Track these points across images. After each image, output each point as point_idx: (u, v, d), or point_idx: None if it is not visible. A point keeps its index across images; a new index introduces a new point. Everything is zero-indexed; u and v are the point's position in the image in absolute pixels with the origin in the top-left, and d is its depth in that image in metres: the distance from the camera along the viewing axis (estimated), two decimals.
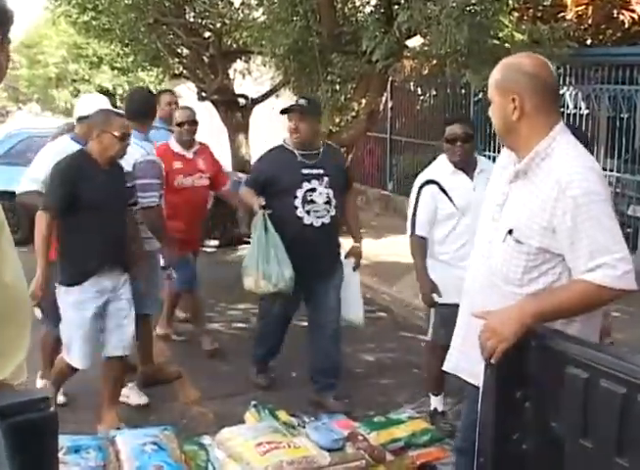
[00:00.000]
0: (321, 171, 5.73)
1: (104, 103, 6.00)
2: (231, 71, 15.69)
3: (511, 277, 3.10)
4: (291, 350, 6.38)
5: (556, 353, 2.55)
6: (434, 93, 14.26)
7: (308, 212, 5.67)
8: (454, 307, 3.55)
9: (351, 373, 6.55)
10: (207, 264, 11.62)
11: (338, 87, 11.07)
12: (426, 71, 10.55)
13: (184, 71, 16.09)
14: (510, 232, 3.10)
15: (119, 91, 33.83)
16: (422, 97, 14.98)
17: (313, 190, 5.68)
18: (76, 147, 5.47)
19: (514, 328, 2.82)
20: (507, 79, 3.10)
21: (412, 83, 14.59)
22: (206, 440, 3.32)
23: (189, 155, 7.10)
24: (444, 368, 3.51)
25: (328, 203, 5.71)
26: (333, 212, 5.74)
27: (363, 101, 11.05)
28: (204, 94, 15.44)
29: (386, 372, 6.76)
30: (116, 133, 5.17)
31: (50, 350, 5.88)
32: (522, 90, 3.05)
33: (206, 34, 15.02)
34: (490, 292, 3.18)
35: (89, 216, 5.06)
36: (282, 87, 14.14)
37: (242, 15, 13.82)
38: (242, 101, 15.41)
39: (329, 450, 2.97)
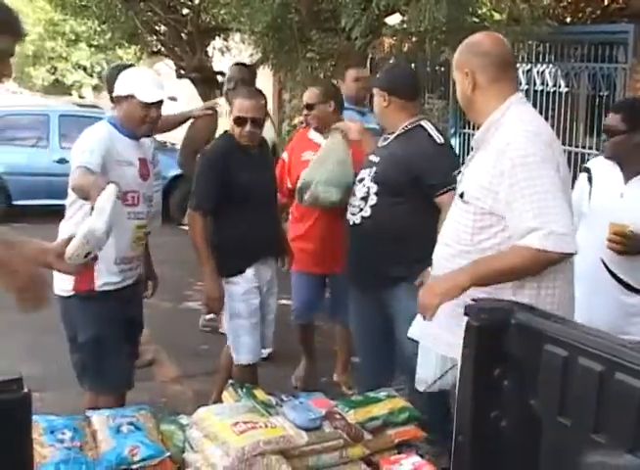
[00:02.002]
0: (376, 159, 4.76)
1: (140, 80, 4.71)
2: (209, 49, 15.62)
3: (462, 237, 3.29)
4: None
5: (534, 331, 2.54)
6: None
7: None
8: None
9: (333, 352, 6.54)
10: (185, 243, 11.62)
11: (317, 64, 11.00)
12: (405, 49, 10.48)
13: (162, 49, 15.99)
14: (461, 195, 3.31)
15: (97, 69, 33.64)
16: None
17: (361, 180, 4.77)
18: (114, 131, 4.62)
19: (447, 286, 3.16)
20: (462, 57, 3.43)
21: (391, 60, 14.54)
22: (184, 419, 3.29)
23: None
24: (409, 335, 3.67)
25: (364, 199, 4.70)
26: (367, 213, 4.68)
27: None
28: (182, 72, 15.37)
29: None
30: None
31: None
32: (473, 66, 3.37)
33: (184, 11, 14.94)
34: (447, 255, 3.39)
35: (242, 205, 4.91)
36: (261, 64, 14.06)
37: None
38: (220, 78, 15.31)
39: (306, 430, 2.96)
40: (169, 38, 15.35)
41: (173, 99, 7.54)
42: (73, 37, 28.26)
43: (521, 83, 10.87)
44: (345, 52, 10.51)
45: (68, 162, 13.55)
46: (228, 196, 4.88)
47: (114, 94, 4.61)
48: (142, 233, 4.63)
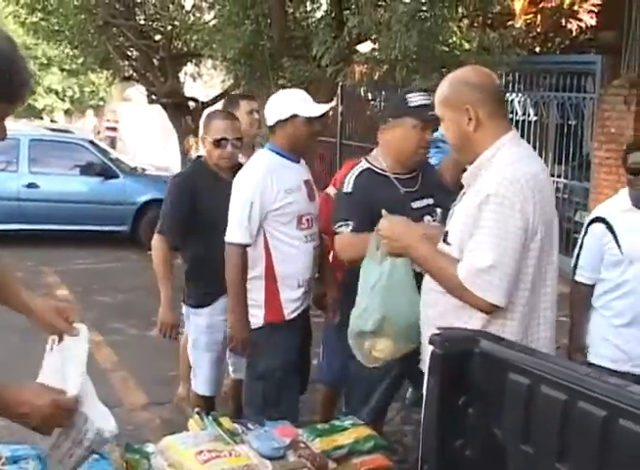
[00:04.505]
0: (430, 201, 4.22)
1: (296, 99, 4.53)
2: (181, 74, 15.67)
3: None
4: None
5: (498, 360, 2.55)
6: (384, 98, 14.31)
7: None
8: None
9: None
10: None
11: None
12: (376, 77, 10.57)
13: (134, 74, 16.03)
14: (445, 236, 3.17)
15: (69, 93, 33.53)
16: (372, 102, 15.03)
17: None
18: (279, 159, 4.45)
19: (403, 243, 3.21)
20: (457, 92, 3.14)
21: (362, 88, 14.64)
22: (150, 447, 3.25)
23: None
24: None
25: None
26: None
27: None
28: (154, 97, 15.40)
29: None
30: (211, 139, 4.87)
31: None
32: (473, 100, 3.09)
33: (157, 37, 14.99)
34: (432, 300, 3.23)
35: (211, 233, 4.64)
36: (232, 91, 14.11)
37: (192, 18, 13.81)
38: (192, 104, 15.38)
39: (270, 459, 2.94)
40: (141, 64, 15.38)
41: None
42: (45, 61, 28.24)
43: None
44: (317, 79, 10.57)
45: (38, 186, 13.53)
46: (196, 223, 4.81)
47: (273, 121, 4.41)
48: (316, 254, 4.57)
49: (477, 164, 3.12)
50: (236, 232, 4.26)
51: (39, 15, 15.23)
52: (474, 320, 3.06)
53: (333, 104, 5.58)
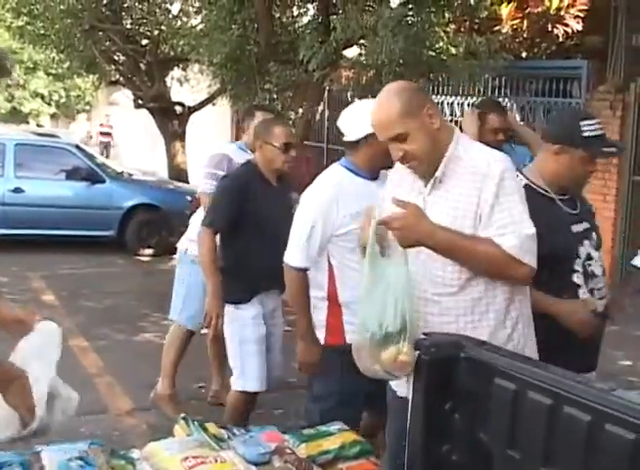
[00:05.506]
0: (587, 225, 3.78)
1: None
2: (168, 79, 15.66)
3: (448, 278, 3.11)
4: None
5: (484, 365, 2.55)
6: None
7: (592, 292, 3.64)
8: None
9: (284, 383, 6.50)
10: (142, 274, 11.59)
11: (275, 96, 11.07)
12: (363, 81, 10.58)
13: (120, 79, 16.03)
14: None
15: (55, 97, 33.48)
16: None
17: (590, 257, 3.68)
18: (353, 178, 4.13)
19: (414, 237, 2.96)
20: (410, 99, 3.10)
21: (349, 93, 14.66)
22: (135, 453, 3.24)
23: None
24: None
25: (604, 273, 3.76)
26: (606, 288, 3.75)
27: (300, 110, 11.06)
28: (140, 101, 15.39)
29: None
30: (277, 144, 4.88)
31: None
32: (427, 99, 3.19)
33: (144, 41, 14.99)
34: (435, 311, 3.15)
35: (253, 234, 4.87)
36: (219, 95, 14.11)
37: (179, 22, 13.80)
38: (178, 109, 15.36)
39: (255, 464, 2.93)
40: (128, 68, 15.37)
41: None
42: (31, 65, 28.22)
43: None
44: (303, 84, 10.58)
45: (23, 191, 13.48)
46: (241, 223, 4.89)
47: (359, 136, 4.01)
48: None
49: (445, 161, 3.11)
50: (294, 254, 4.09)
51: (25, 19, 15.19)
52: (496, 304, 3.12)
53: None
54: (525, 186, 3.48)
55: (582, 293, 3.58)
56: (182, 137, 15.48)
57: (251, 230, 4.89)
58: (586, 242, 3.67)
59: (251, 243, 4.90)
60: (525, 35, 11.29)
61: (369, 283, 3.04)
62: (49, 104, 34.49)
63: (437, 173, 3.12)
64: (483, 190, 3.02)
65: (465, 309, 3.09)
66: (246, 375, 4.99)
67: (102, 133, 29.95)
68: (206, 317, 4.99)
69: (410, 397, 2.82)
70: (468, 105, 11.61)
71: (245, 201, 4.89)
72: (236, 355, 5.04)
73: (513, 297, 3.14)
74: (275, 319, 5.20)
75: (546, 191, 3.65)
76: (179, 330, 6.03)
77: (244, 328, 4.98)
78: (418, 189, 3.20)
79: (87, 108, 34.70)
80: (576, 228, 3.68)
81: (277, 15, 11.45)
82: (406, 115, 3.06)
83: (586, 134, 3.56)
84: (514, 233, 2.99)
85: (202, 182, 5.75)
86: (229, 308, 5.00)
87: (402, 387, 3.20)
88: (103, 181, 12.99)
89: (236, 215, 4.88)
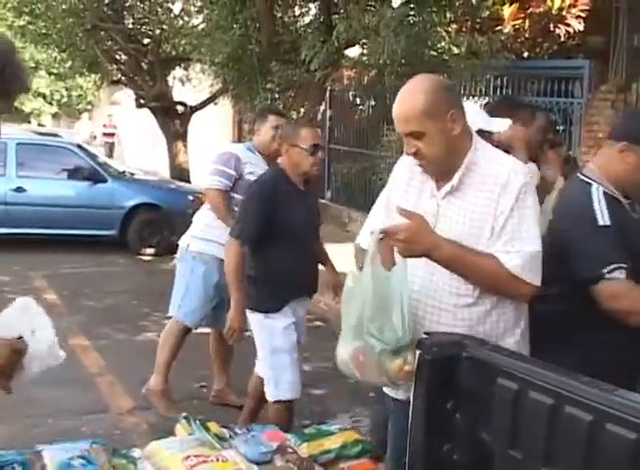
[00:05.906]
0: None
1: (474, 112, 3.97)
2: (170, 79, 15.65)
3: (463, 288, 3.03)
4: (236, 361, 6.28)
5: (486, 365, 2.55)
6: (373, 103, 14.32)
7: None
8: None
9: None
10: (143, 273, 11.59)
11: (276, 96, 11.06)
12: (364, 81, 10.57)
13: (122, 78, 16.02)
14: None
15: (57, 97, 33.45)
16: (360, 106, 15.04)
17: None
18: None
19: (419, 249, 2.88)
20: (438, 100, 2.97)
21: (350, 93, 14.65)
22: (136, 453, 3.24)
23: None
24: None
25: None
26: None
27: (301, 110, 11.05)
28: (142, 101, 15.38)
29: (321, 382, 6.73)
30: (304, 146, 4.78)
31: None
32: (455, 105, 3.01)
33: (145, 41, 14.99)
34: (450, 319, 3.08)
35: (284, 240, 4.74)
36: (221, 95, 14.11)
37: (181, 22, 13.81)
38: (180, 108, 15.36)
39: (257, 463, 2.94)
40: (130, 67, 15.37)
41: None
42: (33, 65, 28.17)
43: None
44: (305, 83, 10.57)
45: (25, 190, 13.48)
46: (271, 230, 4.76)
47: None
48: None
49: (463, 168, 3.02)
50: None
51: (27, 18, 15.19)
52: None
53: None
54: (604, 194, 3.34)
55: None
56: (184, 137, 15.48)
57: (281, 237, 4.75)
58: None
59: (282, 250, 4.76)
60: (526, 35, 11.26)
61: (373, 296, 2.94)
62: (50, 103, 34.49)
63: (454, 181, 3.03)
64: (500, 202, 2.95)
65: (478, 320, 3.04)
66: (279, 386, 4.88)
67: (106, 134, 29.90)
68: (229, 331, 4.93)
69: (411, 397, 2.83)
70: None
71: (274, 207, 4.75)
72: (267, 365, 4.94)
73: (520, 306, 3.11)
74: (301, 327, 5.10)
75: (615, 195, 3.40)
76: (175, 327, 6.01)
77: (274, 337, 4.86)
78: (430, 190, 3.12)
79: (89, 107, 34.67)
80: None
81: (279, 14, 11.46)
82: (427, 115, 2.95)
83: None
84: (518, 253, 2.92)
85: (208, 178, 5.72)
86: (258, 316, 4.88)
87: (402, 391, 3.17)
88: (105, 181, 12.98)
89: (266, 222, 4.74)
